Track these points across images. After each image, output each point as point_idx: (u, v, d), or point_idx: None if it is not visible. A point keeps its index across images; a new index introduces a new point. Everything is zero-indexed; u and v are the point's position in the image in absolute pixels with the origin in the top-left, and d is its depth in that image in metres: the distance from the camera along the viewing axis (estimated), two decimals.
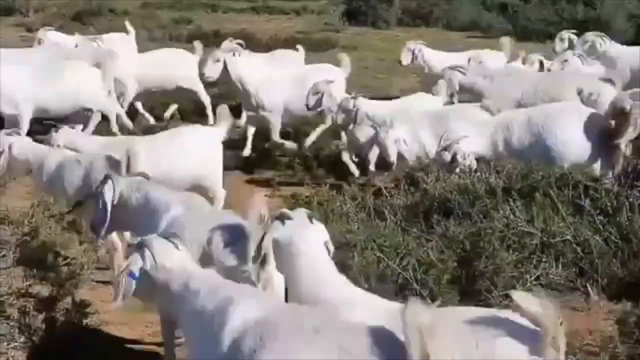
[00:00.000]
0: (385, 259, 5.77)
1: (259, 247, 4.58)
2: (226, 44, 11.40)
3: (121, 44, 13.03)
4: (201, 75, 11.09)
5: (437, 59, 12.35)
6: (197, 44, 12.49)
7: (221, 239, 5.16)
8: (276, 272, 4.71)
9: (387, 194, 7.80)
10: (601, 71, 10.73)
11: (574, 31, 13.31)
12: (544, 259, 6.31)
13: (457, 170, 7.90)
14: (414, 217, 7.22)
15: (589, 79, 9.83)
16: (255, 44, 18.19)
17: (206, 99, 12.00)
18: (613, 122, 7.87)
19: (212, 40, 17.99)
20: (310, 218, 4.53)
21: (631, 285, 6.34)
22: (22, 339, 5.46)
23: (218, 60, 10.62)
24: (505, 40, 12.90)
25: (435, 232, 6.62)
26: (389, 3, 22.76)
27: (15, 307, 5.58)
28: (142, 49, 13.64)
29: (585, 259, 6.61)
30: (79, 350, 5.58)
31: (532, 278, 5.93)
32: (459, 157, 8.09)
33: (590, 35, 12.31)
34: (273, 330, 3.81)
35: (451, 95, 10.12)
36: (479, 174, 7.68)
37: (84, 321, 5.77)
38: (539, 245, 6.58)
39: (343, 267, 5.74)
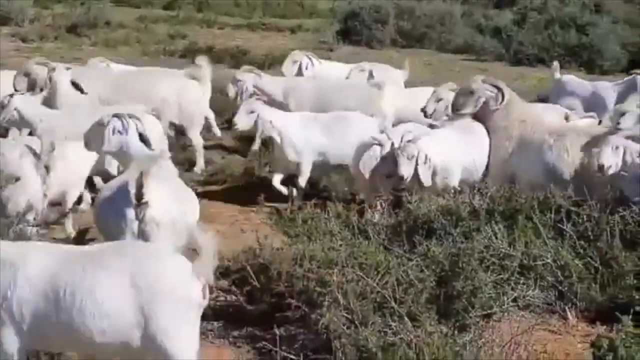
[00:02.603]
0: (365, 277, 5.81)
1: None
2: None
3: None
4: None
5: None
6: None
7: None
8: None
9: (371, 213, 7.87)
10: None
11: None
12: (522, 281, 6.36)
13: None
14: (397, 237, 7.27)
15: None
16: (249, 60, 18.36)
17: None
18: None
19: (206, 55, 18.11)
20: None
21: (610, 310, 6.40)
22: None
23: None
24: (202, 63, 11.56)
25: (417, 252, 6.67)
26: (384, 24, 22.84)
27: None
28: (135, 63, 13.65)
29: (564, 282, 6.68)
30: None
31: (510, 299, 5.98)
32: (421, 156, 8.20)
33: (297, 55, 12.85)
34: None
35: None
36: (462, 195, 7.77)
37: None
38: (519, 267, 6.65)
39: (323, 283, 5.84)
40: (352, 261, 6.19)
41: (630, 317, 5.48)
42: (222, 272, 6.60)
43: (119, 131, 6.80)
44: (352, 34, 22.80)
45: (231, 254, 6.85)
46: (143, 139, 6.85)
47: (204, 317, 6.54)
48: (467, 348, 5.15)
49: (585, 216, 7.16)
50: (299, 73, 12.73)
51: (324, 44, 22.13)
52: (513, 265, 6.50)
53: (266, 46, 21.25)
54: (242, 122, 9.65)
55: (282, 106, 10.69)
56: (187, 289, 4.72)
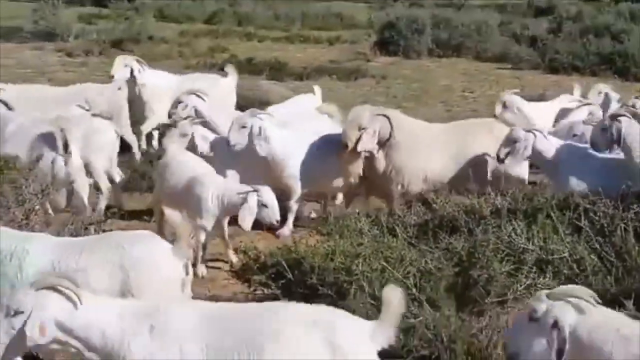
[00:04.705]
0: (389, 267, 6.25)
1: None
2: None
3: None
4: None
5: None
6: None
7: None
8: None
9: (399, 213, 8.31)
10: None
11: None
12: (534, 271, 6.75)
13: None
14: (424, 235, 7.71)
15: None
16: (287, 72, 18.93)
17: None
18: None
19: (246, 67, 18.64)
20: None
21: (623, 301, 6.77)
22: None
23: None
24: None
25: (439, 247, 7.11)
26: (421, 34, 23.17)
27: None
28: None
29: (580, 275, 7.06)
30: None
31: (522, 287, 6.38)
32: None
33: (127, 59, 12.69)
34: None
35: None
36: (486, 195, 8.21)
37: None
38: (537, 262, 7.04)
39: (349, 273, 6.30)
40: (378, 254, 6.64)
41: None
42: (259, 267, 7.08)
43: None
44: (390, 45, 23.15)
45: (268, 251, 7.33)
46: None
47: None
48: (483, 332, 5.55)
49: (601, 213, 7.54)
50: (131, 77, 12.47)
51: (361, 55, 22.54)
52: (531, 258, 6.89)
53: (304, 58, 21.74)
54: None
55: None
56: (167, 266, 5.55)
